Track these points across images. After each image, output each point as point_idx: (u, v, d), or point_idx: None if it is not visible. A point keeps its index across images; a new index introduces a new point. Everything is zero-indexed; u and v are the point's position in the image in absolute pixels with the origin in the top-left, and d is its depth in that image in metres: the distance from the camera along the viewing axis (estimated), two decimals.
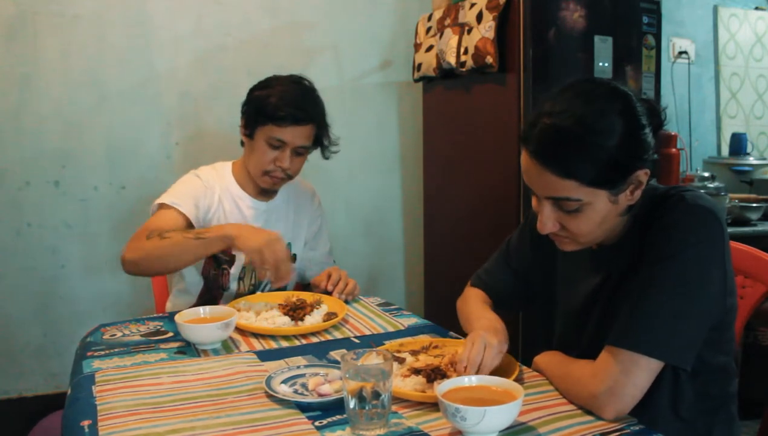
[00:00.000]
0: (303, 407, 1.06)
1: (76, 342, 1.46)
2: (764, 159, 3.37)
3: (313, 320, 1.50)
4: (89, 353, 1.34)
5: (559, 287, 1.31)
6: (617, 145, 1.03)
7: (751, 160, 3.28)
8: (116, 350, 1.36)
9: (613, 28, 2.36)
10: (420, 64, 2.67)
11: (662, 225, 1.08)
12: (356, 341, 1.43)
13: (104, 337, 1.46)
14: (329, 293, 1.70)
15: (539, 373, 1.21)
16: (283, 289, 1.71)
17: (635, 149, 1.06)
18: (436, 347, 1.30)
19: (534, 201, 1.14)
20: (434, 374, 1.12)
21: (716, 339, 1.12)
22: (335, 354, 1.33)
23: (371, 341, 1.42)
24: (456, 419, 0.94)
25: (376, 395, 0.97)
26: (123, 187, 2.56)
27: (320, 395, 1.09)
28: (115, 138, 2.53)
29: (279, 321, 1.48)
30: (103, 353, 1.35)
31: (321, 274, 1.77)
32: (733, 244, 1.29)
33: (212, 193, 1.76)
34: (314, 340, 1.44)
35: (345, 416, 1.01)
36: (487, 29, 2.25)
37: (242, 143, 1.81)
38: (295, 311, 1.50)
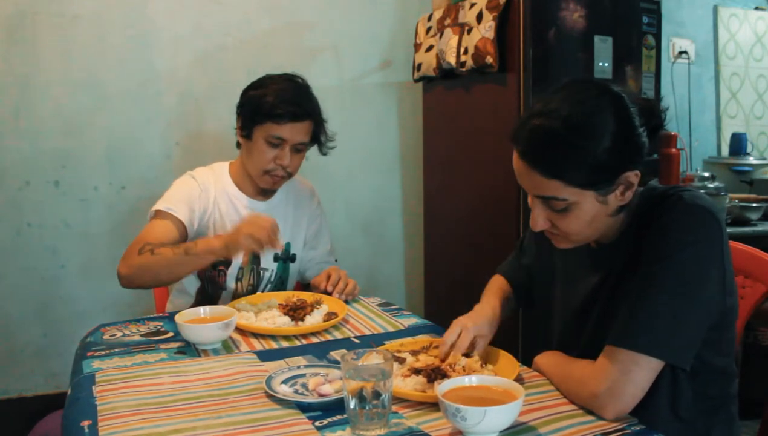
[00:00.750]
0: (303, 407, 1.06)
1: (76, 342, 1.46)
2: (764, 159, 3.37)
3: (314, 320, 1.50)
4: (89, 353, 1.34)
5: (559, 286, 1.31)
6: (605, 147, 1.03)
7: (751, 160, 3.28)
8: (116, 350, 1.36)
9: (613, 28, 2.36)
10: (420, 64, 2.67)
11: (661, 225, 1.08)
12: (356, 341, 1.43)
13: (104, 337, 1.46)
14: (329, 294, 1.70)
15: (539, 373, 1.21)
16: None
17: (625, 151, 1.06)
18: (436, 347, 1.29)
19: (529, 199, 1.14)
20: (434, 374, 1.12)
21: (716, 339, 1.12)
22: (335, 354, 1.33)
23: (371, 341, 1.42)
24: (456, 419, 0.94)
25: (377, 395, 0.97)
26: (123, 187, 2.56)
27: (320, 395, 1.09)
28: (115, 138, 2.53)
29: (279, 321, 1.48)
30: (103, 353, 1.35)
31: (320, 274, 1.77)
32: (733, 244, 1.29)
33: (207, 195, 1.76)
34: (314, 340, 1.44)
35: (345, 416, 1.01)
36: (487, 29, 2.25)
37: (238, 145, 1.81)
38: (296, 311, 1.51)
